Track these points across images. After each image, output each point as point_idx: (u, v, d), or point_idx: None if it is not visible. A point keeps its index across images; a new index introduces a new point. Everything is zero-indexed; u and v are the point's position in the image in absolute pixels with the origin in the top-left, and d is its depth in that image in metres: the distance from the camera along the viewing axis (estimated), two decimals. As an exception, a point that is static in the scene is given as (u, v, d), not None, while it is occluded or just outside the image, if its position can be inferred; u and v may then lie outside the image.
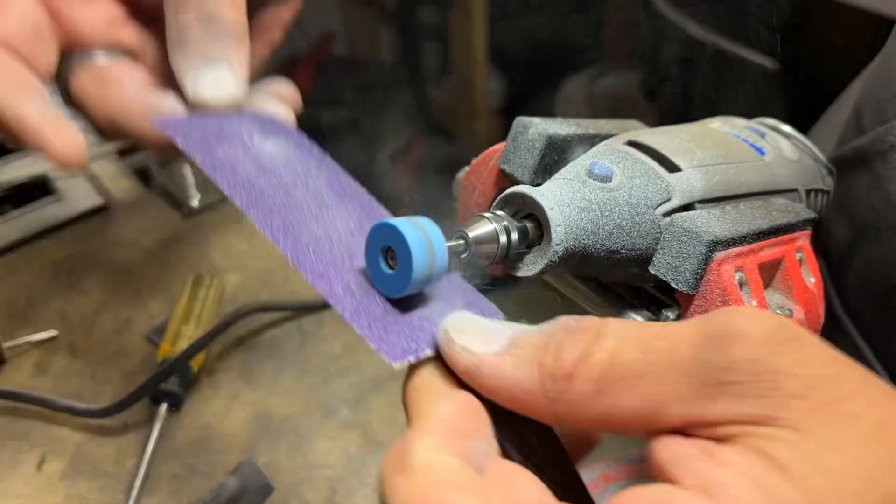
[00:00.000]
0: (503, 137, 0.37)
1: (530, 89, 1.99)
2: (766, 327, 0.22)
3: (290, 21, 0.50)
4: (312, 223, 0.33)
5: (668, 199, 0.34)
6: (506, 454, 0.27)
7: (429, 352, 0.28)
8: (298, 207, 0.33)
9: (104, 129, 0.41)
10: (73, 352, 0.66)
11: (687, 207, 0.35)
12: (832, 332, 0.52)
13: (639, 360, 0.23)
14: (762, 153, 0.41)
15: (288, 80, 0.45)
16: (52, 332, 0.67)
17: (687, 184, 0.35)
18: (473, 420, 0.26)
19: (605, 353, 0.24)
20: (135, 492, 0.56)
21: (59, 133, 0.38)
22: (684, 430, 0.23)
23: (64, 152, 0.38)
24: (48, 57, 0.42)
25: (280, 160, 0.37)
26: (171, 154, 0.40)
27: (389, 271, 0.30)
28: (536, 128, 0.36)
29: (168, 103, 0.41)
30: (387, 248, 0.30)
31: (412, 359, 0.28)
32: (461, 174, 0.40)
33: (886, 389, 0.23)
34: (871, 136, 0.49)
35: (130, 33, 0.45)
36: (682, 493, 0.21)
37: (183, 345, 0.62)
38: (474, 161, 0.39)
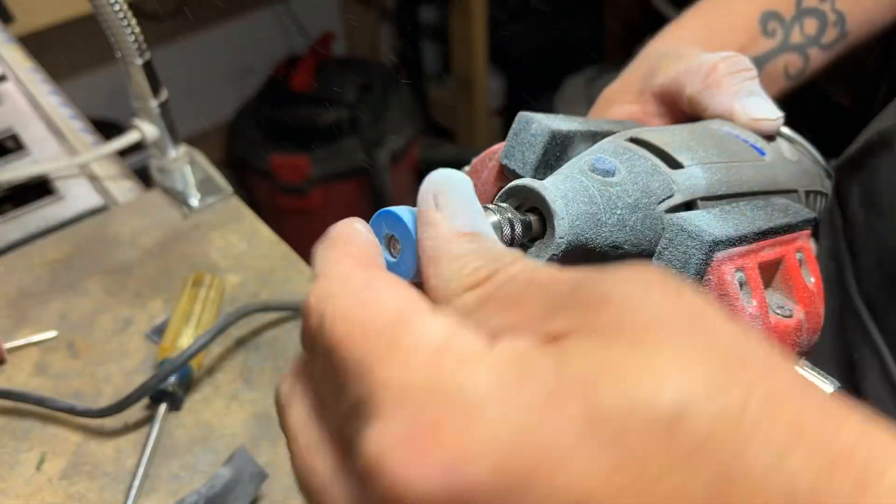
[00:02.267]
0: (503, 137, 0.37)
1: (530, 89, 1.99)
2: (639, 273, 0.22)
3: None
4: None
5: (671, 196, 0.34)
6: None
7: None
8: None
9: None
10: (73, 352, 0.66)
11: (689, 204, 0.35)
12: (844, 310, 0.53)
13: (521, 290, 0.23)
14: (762, 153, 0.41)
15: None
16: (52, 332, 0.67)
17: (689, 180, 0.35)
18: None
19: (504, 278, 0.24)
20: (134, 491, 0.56)
21: None
22: None
23: None
24: None
25: None
26: None
27: (391, 259, 0.29)
28: (539, 123, 0.35)
29: None
30: (389, 236, 0.29)
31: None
32: (461, 174, 0.40)
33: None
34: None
35: None
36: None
37: (183, 345, 0.62)
38: (474, 161, 0.39)
